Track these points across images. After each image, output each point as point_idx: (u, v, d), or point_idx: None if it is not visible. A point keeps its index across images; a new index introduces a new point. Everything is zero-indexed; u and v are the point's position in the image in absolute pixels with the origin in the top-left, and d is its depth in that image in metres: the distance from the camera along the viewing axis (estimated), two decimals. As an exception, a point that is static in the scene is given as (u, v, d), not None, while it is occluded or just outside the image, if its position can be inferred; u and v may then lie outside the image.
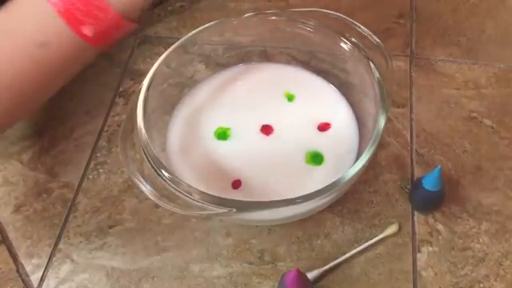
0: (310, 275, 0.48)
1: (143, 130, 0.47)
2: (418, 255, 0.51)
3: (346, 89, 0.59)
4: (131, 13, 0.38)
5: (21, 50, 0.38)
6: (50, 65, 0.38)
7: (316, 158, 0.54)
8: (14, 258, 0.52)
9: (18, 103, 0.43)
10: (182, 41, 0.57)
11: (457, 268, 0.50)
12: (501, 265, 0.50)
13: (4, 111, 0.44)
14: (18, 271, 0.51)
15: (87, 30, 0.36)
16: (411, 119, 0.60)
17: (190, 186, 0.46)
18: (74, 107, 0.62)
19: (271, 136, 0.56)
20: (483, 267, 0.50)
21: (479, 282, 0.49)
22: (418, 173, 0.56)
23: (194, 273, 0.50)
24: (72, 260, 0.52)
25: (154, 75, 0.51)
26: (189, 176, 0.52)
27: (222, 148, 0.54)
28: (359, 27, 0.55)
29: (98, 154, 0.59)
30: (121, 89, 0.64)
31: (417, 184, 0.51)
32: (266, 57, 0.63)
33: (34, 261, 0.52)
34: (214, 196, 0.45)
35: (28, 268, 0.51)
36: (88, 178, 0.57)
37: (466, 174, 0.55)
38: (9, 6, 0.39)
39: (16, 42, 0.38)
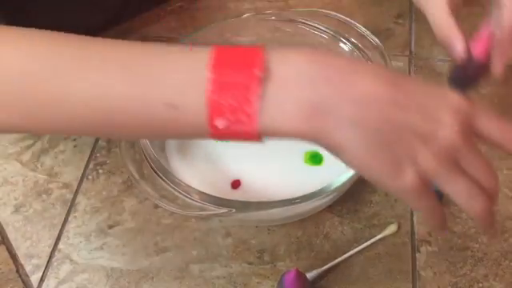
0: (310, 275, 0.48)
1: (143, 131, 0.47)
2: (417, 255, 0.51)
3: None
4: (270, 135, 0.34)
5: (149, 98, 0.34)
6: (162, 125, 0.35)
7: (315, 158, 0.54)
8: (14, 258, 0.52)
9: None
10: (182, 41, 0.57)
11: (456, 268, 0.50)
12: (500, 264, 0.50)
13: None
14: (17, 271, 0.52)
15: (220, 123, 0.33)
16: (410, 119, 0.60)
17: (189, 187, 0.46)
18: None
19: (270, 136, 0.56)
20: (482, 267, 0.50)
21: (478, 281, 0.49)
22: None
23: (193, 273, 0.50)
24: (72, 260, 0.52)
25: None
26: (188, 176, 0.52)
27: (221, 148, 0.54)
28: (358, 27, 0.55)
29: (98, 155, 0.59)
30: (120, 89, 0.64)
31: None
32: (266, 57, 0.63)
33: (34, 261, 0.52)
34: (214, 196, 0.45)
35: (28, 268, 0.52)
36: (87, 179, 0.57)
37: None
38: (164, 50, 0.36)
39: (151, 90, 0.34)
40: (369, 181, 0.34)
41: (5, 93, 0.36)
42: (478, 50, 0.45)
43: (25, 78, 0.35)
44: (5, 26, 0.37)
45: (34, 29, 0.37)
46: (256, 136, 0.33)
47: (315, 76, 0.33)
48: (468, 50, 0.45)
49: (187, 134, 0.36)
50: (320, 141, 0.33)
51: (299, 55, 0.33)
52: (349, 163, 0.33)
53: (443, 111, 0.33)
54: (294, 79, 0.32)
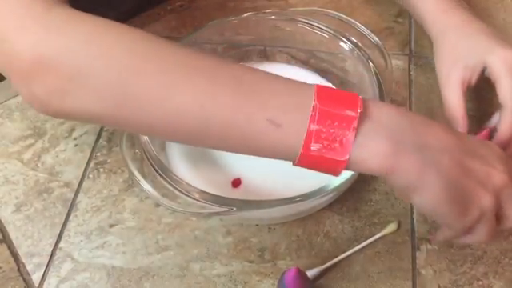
0: (310, 273, 0.48)
1: (143, 130, 0.47)
2: (417, 253, 0.51)
3: (345, 88, 0.59)
4: (354, 167, 0.37)
5: (252, 111, 0.36)
6: (258, 138, 0.37)
7: (315, 157, 0.54)
8: (15, 257, 0.52)
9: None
10: (182, 40, 0.57)
11: (456, 266, 0.50)
12: (499, 262, 0.50)
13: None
14: (19, 270, 0.52)
15: (315, 147, 0.36)
16: (410, 118, 0.60)
17: (190, 185, 0.46)
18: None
19: (271, 135, 0.56)
20: (482, 265, 0.50)
21: (478, 279, 0.49)
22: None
23: (194, 271, 0.51)
24: (73, 259, 0.52)
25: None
26: (189, 175, 0.52)
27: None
28: (358, 26, 0.56)
29: (98, 154, 0.59)
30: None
31: None
32: (266, 56, 0.63)
33: (35, 260, 0.52)
34: (214, 195, 0.46)
35: (29, 267, 0.52)
36: (88, 178, 0.57)
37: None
38: (271, 75, 0.38)
39: (256, 104, 0.36)
40: (437, 220, 0.40)
41: (104, 83, 0.36)
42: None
43: (125, 72, 0.36)
44: (108, 20, 0.38)
45: (137, 28, 0.38)
46: (343, 165, 0.36)
47: (402, 124, 0.37)
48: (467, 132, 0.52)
49: (278, 152, 0.38)
50: (398, 179, 0.36)
51: (390, 106, 0.38)
52: (423, 203, 0.37)
53: (493, 158, 0.39)
54: (385, 123, 0.36)
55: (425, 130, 0.37)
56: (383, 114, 0.37)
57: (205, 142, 0.39)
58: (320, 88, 0.37)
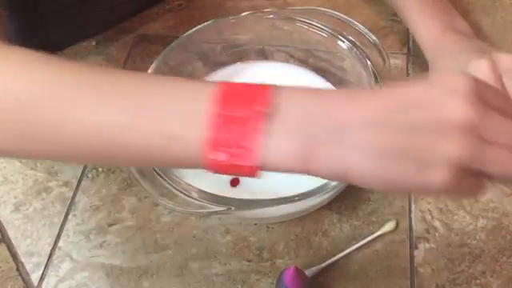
0: (308, 272, 0.48)
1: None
2: (415, 252, 0.51)
3: (343, 87, 0.59)
4: (271, 170, 0.34)
5: (147, 128, 0.34)
6: (159, 155, 0.35)
7: (314, 156, 0.54)
8: (14, 256, 0.52)
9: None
10: (180, 39, 0.57)
11: (454, 264, 0.50)
12: (497, 261, 0.50)
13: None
14: (18, 269, 0.52)
15: (219, 156, 0.33)
16: (408, 117, 0.60)
17: (188, 185, 0.46)
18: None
19: (269, 134, 0.56)
20: (480, 263, 0.50)
21: (476, 278, 0.49)
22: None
23: (193, 270, 0.51)
24: (72, 258, 0.52)
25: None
26: (187, 174, 0.52)
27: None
28: (356, 25, 0.56)
29: (97, 153, 0.59)
30: (119, 87, 0.64)
31: None
32: (264, 55, 0.63)
33: (34, 259, 0.52)
34: (213, 194, 0.46)
35: (28, 266, 0.52)
36: (87, 177, 0.57)
37: (463, 171, 0.56)
38: (166, 81, 0.36)
39: (150, 120, 0.34)
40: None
41: (1, 118, 0.36)
42: None
43: (23, 104, 0.35)
44: (13, 47, 0.37)
45: (41, 53, 0.37)
46: (255, 170, 0.34)
47: (315, 111, 0.33)
48: None
49: (185, 165, 0.36)
50: (324, 171, 0.33)
51: (303, 92, 0.34)
52: (368, 185, 0.33)
53: (445, 97, 0.32)
54: (295, 116, 0.33)
55: (342, 110, 0.33)
56: (293, 106, 0.33)
57: (113, 161, 0.38)
58: (221, 88, 0.34)
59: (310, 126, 0.33)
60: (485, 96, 0.33)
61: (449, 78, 0.33)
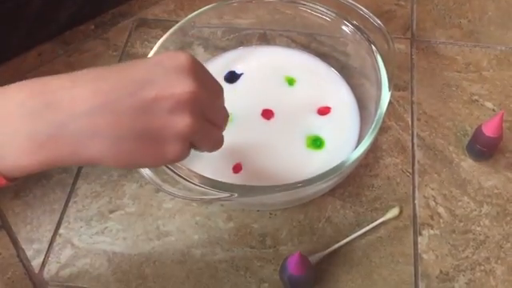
0: (312, 259, 0.48)
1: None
2: (419, 238, 0.51)
3: (346, 72, 0.59)
4: (14, 174, 0.34)
5: None
6: None
7: (316, 142, 0.54)
8: (15, 242, 0.52)
9: None
10: (181, 24, 0.56)
11: (458, 251, 0.50)
12: (501, 247, 0.50)
13: None
14: (18, 256, 0.51)
15: None
16: (412, 102, 0.60)
17: (190, 171, 0.46)
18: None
19: (272, 120, 0.55)
20: (484, 250, 0.50)
21: (480, 264, 0.49)
22: (418, 156, 0.55)
23: (195, 257, 0.50)
24: (73, 245, 0.52)
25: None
26: (189, 160, 0.52)
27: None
28: (360, 9, 0.55)
29: (97, 139, 0.58)
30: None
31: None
32: (266, 40, 0.62)
33: (35, 246, 0.52)
34: (215, 180, 0.45)
35: (29, 253, 0.51)
36: (87, 163, 0.57)
37: (467, 158, 0.55)
38: None
39: None
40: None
41: None
42: (488, 127, 0.51)
43: None
44: None
45: None
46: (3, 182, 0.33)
47: (35, 107, 0.32)
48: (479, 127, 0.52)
49: None
50: (64, 163, 0.33)
51: (25, 85, 0.33)
52: (107, 166, 0.35)
53: (170, 74, 0.34)
54: (16, 114, 0.32)
55: (68, 99, 0.33)
56: (15, 106, 0.33)
57: None
58: None
59: (33, 123, 0.32)
60: (201, 74, 0.36)
61: (169, 55, 0.35)
